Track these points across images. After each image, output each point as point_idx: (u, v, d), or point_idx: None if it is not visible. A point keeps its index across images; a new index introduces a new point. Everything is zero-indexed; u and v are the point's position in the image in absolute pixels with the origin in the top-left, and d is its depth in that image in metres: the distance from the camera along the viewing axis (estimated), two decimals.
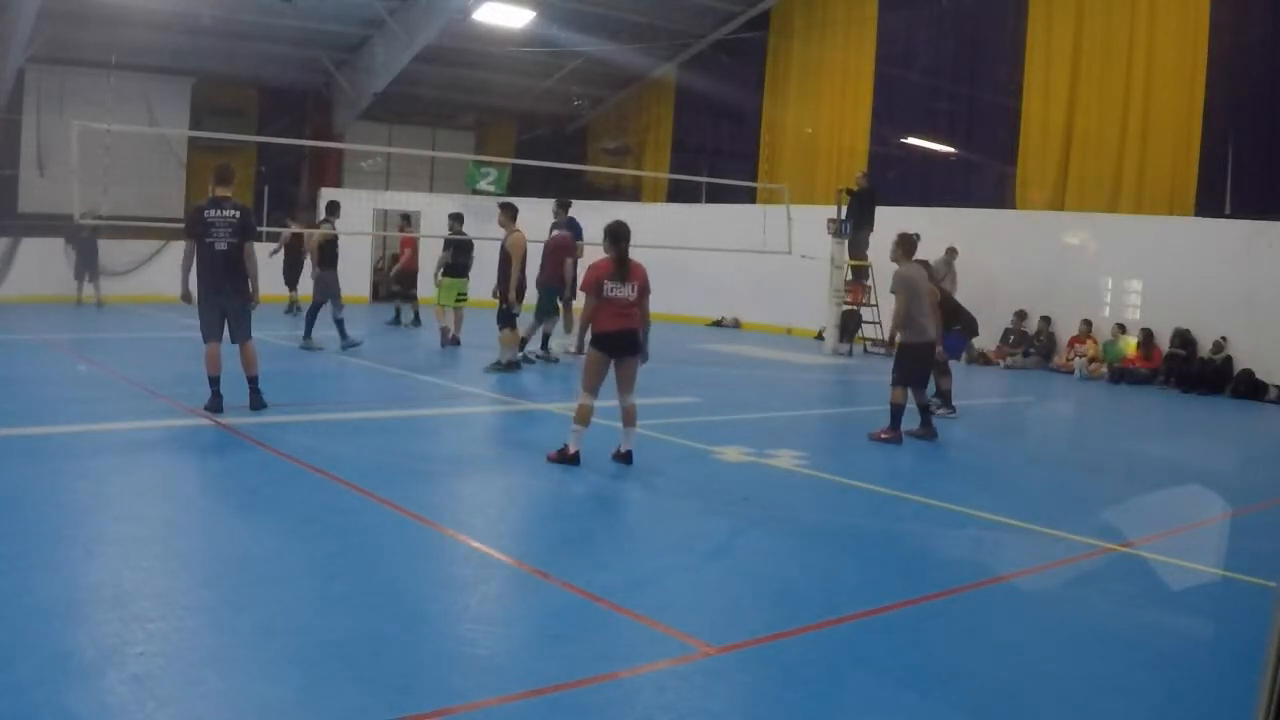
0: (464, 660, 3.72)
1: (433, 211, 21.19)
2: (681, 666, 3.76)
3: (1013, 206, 16.76)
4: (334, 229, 13.09)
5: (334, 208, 13.53)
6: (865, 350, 16.37)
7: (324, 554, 4.88)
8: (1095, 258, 15.45)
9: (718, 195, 19.68)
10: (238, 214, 8.10)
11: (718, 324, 19.64)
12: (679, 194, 21.62)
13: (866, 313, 16.34)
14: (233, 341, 8.23)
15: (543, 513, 6.16)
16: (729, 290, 19.18)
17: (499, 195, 20.77)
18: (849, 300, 16.19)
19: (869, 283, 16.35)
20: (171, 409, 8.32)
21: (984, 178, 17.38)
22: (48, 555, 4.58)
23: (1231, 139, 14.44)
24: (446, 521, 5.61)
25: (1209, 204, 14.52)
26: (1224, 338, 13.55)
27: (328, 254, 12.77)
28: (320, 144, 19.37)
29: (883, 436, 8.52)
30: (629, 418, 7.02)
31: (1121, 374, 14.25)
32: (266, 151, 20.19)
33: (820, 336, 16.67)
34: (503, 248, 11.48)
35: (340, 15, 18.59)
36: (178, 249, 19.21)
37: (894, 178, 17.79)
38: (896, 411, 8.53)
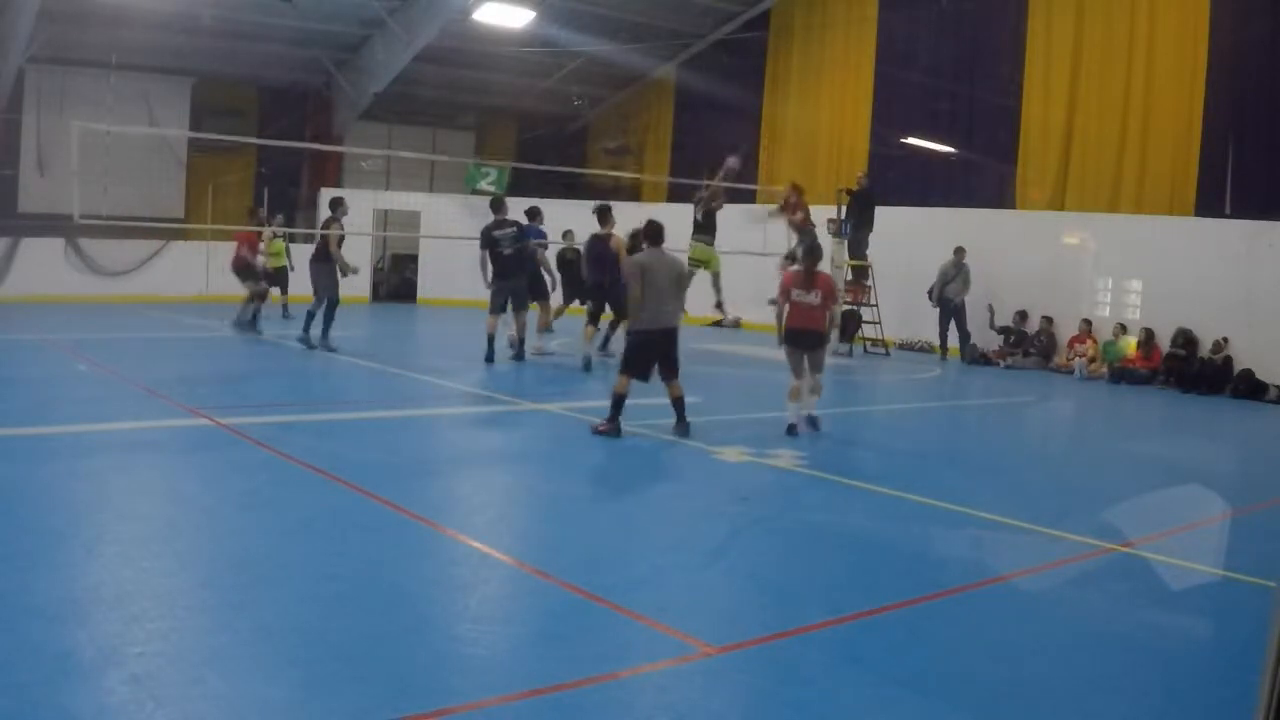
0: (464, 660, 3.72)
1: (433, 211, 21.24)
2: (681, 666, 3.75)
3: (1013, 206, 16.75)
4: (342, 227, 13.04)
5: (340, 204, 13.36)
6: (865, 350, 16.36)
7: (324, 554, 4.88)
8: (1095, 258, 15.45)
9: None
10: (515, 229, 12.00)
11: (718, 324, 19.62)
12: (679, 194, 21.61)
13: (866, 313, 16.34)
14: (514, 311, 12.07)
15: (542, 513, 6.16)
16: (729, 290, 19.12)
17: (499, 195, 20.79)
18: (849, 300, 16.19)
19: (869, 283, 16.36)
20: (171, 409, 8.32)
21: (984, 178, 17.37)
22: (48, 555, 4.58)
23: (1231, 139, 14.43)
24: (446, 521, 5.61)
25: (1209, 204, 14.51)
26: (1224, 338, 13.54)
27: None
28: (320, 145, 19.37)
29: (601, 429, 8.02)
30: (815, 389, 8.64)
31: (1121, 374, 14.25)
32: (267, 152, 20.20)
33: None
34: (610, 249, 12.18)
35: (340, 15, 18.59)
36: (177, 250, 19.33)
37: (894, 178, 17.77)
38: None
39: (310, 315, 12.69)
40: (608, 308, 12.67)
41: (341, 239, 12.80)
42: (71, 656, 3.49)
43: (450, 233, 18.31)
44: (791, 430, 8.35)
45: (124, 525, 5.21)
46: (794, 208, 14.57)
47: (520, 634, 4.08)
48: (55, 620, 3.80)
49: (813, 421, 8.58)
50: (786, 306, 8.48)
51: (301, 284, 19.36)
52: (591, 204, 14.43)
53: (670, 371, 8.17)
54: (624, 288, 11.86)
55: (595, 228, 12.45)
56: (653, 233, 8.40)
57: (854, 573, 5.18)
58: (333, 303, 12.66)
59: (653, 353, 8.11)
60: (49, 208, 17.12)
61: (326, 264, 12.62)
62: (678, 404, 8.15)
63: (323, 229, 12.88)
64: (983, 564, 5.43)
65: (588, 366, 11.95)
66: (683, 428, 8.11)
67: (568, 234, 14.53)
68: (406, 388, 10.75)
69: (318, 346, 12.47)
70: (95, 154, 16.59)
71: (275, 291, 17.33)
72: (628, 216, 18.50)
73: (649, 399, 8.35)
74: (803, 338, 8.46)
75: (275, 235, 17.52)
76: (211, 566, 4.65)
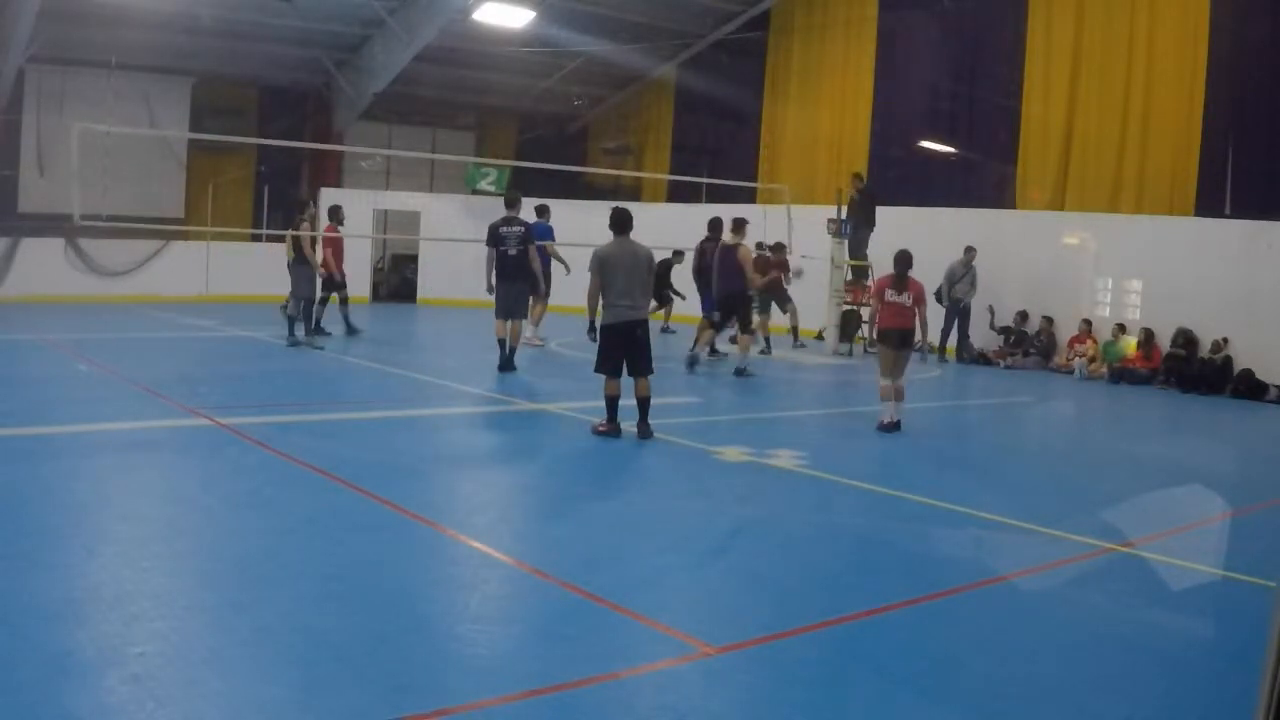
0: (464, 660, 3.72)
1: (433, 211, 21.24)
2: (681, 666, 3.75)
3: (1013, 206, 16.75)
4: (312, 227, 13.44)
5: (306, 206, 13.93)
6: (865, 350, 16.36)
7: (323, 554, 4.88)
8: (1095, 258, 15.44)
9: (718, 195, 19.67)
10: (522, 229, 11.26)
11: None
12: (679, 194, 21.62)
13: (866, 313, 16.34)
14: (509, 317, 11.18)
15: (543, 512, 6.16)
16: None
17: (499, 195, 20.78)
18: (849, 300, 16.20)
19: (869, 283, 16.35)
20: (171, 409, 8.32)
21: (984, 178, 17.37)
22: (48, 555, 4.58)
23: (1231, 139, 14.43)
24: (446, 521, 5.61)
25: (1209, 204, 14.51)
26: (1224, 338, 13.54)
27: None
28: (320, 145, 19.36)
29: (600, 429, 7.99)
30: (899, 394, 8.95)
31: (1121, 374, 14.24)
32: (267, 152, 20.19)
33: (820, 336, 16.68)
34: (736, 258, 12.21)
35: (340, 15, 18.58)
36: (177, 250, 19.30)
37: (894, 178, 17.78)
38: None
39: (291, 319, 12.89)
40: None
41: (313, 240, 13.08)
42: (71, 656, 3.49)
43: (450, 233, 18.31)
44: (885, 428, 8.84)
45: (124, 525, 5.21)
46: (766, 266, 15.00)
47: (520, 634, 4.08)
48: (55, 620, 3.80)
49: (892, 426, 8.89)
50: (880, 307, 9.16)
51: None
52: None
53: (638, 367, 7.92)
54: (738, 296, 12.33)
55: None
56: (617, 222, 8.11)
57: (854, 573, 5.18)
58: (310, 302, 12.98)
59: (619, 348, 7.92)
60: (49, 208, 17.11)
61: (305, 266, 12.85)
62: (642, 404, 7.92)
63: (293, 230, 13.03)
64: (983, 564, 5.43)
65: (694, 362, 12.34)
66: (644, 429, 7.87)
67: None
68: (406, 388, 10.75)
69: (303, 343, 12.65)
70: (95, 154, 16.59)
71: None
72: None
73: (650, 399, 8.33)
74: (895, 336, 9.05)
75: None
76: (211, 566, 4.65)
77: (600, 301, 8.00)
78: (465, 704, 3.34)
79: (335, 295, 14.44)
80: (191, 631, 3.83)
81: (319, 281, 13.40)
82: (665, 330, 17.11)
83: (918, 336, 9.17)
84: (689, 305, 15.95)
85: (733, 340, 13.17)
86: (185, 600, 4.15)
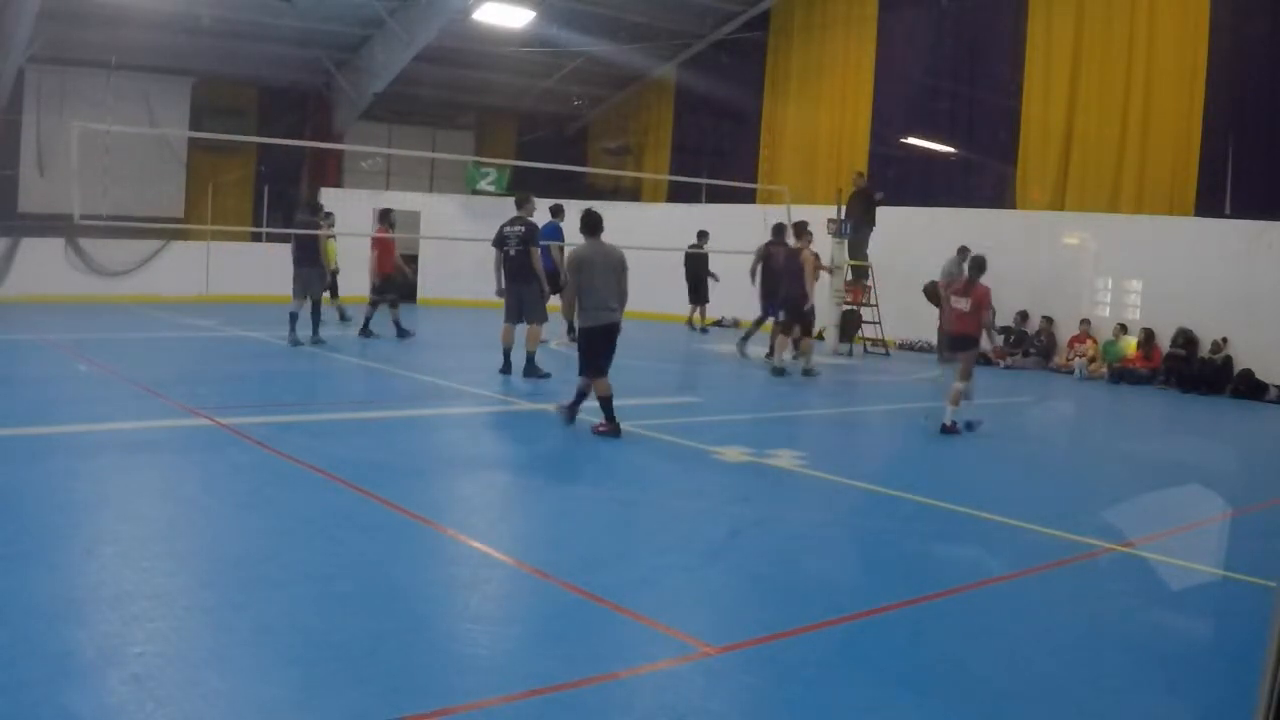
0: (464, 660, 3.72)
1: (433, 211, 21.25)
2: (681, 666, 3.75)
3: (1013, 206, 16.75)
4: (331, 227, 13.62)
5: (320, 207, 14.33)
6: (865, 350, 16.37)
7: (324, 554, 4.88)
8: (1095, 258, 15.45)
9: (718, 195, 19.68)
10: (523, 229, 10.77)
11: (718, 324, 19.62)
12: (679, 194, 21.62)
13: (866, 313, 16.35)
14: (525, 322, 10.89)
15: (542, 512, 6.16)
16: (729, 290, 19.15)
17: (499, 195, 20.78)
18: (849, 300, 16.20)
19: (869, 283, 16.36)
20: (172, 409, 8.32)
21: (984, 178, 17.38)
22: (48, 555, 4.58)
23: (1231, 139, 14.43)
24: (446, 521, 5.61)
25: (1209, 204, 14.51)
26: (1224, 338, 13.54)
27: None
28: (320, 144, 19.37)
29: (601, 429, 7.98)
30: (954, 397, 9.02)
31: (1121, 374, 14.24)
32: (267, 151, 20.19)
33: (820, 337, 16.68)
34: (798, 261, 12.51)
35: (340, 15, 18.59)
36: (177, 249, 19.30)
37: (894, 178, 17.78)
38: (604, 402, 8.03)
39: (294, 316, 12.89)
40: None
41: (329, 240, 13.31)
42: (71, 656, 3.49)
43: (450, 233, 18.31)
44: (950, 428, 8.93)
45: (124, 525, 5.20)
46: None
47: (520, 634, 4.08)
48: (55, 620, 3.80)
49: (946, 428, 9.01)
50: (947, 311, 9.39)
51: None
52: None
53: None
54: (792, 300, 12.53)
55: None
56: (588, 224, 8.20)
57: (854, 573, 5.18)
58: (316, 302, 13.07)
59: (602, 349, 8.01)
60: (49, 208, 17.11)
61: (317, 267, 12.98)
62: (604, 401, 7.95)
63: (312, 231, 13.08)
64: (983, 564, 5.42)
65: (779, 373, 12.34)
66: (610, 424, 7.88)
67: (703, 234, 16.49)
68: (406, 388, 10.74)
69: (305, 343, 12.64)
70: (95, 154, 16.59)
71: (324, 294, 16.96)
72: (628, 217, 18.47)
73: (649, 399, 8.35)
74: (954, 340, 9.26)
75: (331, 238, 17.12)
76: (211, 566, 4.65)
77: (577, 304, 8.07)
78: (465, 704, 3.34)
79: (380, 300, 14.46)
80: (191, 631, 3.83)
81: (327, 281, 13.46)
82: (698, 329, 17.14)
83: (984, 344, 9.32)
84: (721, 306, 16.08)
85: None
86: (185, 600, 4.15)
